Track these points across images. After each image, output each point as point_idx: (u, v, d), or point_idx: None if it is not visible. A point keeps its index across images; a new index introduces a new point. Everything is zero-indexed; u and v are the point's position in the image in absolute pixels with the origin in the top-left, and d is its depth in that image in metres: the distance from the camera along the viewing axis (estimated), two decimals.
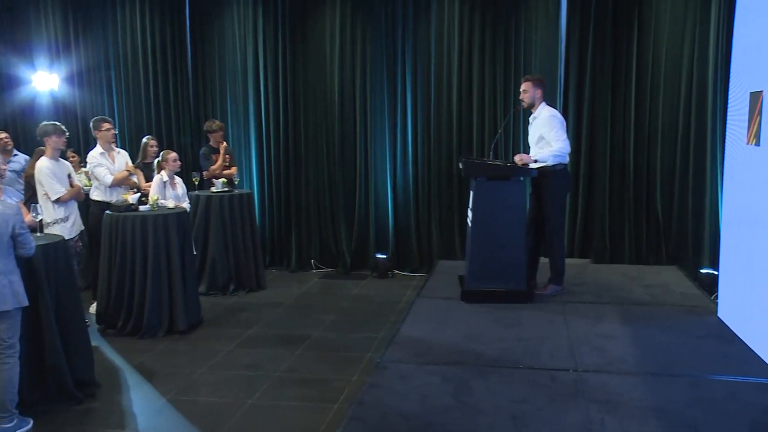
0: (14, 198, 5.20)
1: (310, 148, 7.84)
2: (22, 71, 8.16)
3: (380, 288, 7.11)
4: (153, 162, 6.53)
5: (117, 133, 6.33)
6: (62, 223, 5.43)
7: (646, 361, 4.22)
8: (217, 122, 7.29)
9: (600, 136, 7.09)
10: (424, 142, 7.54)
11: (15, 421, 3.73)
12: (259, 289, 6.94)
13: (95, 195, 6.00)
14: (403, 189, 7.66)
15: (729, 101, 5.05)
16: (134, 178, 6.21)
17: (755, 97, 4.37)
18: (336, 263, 7.85)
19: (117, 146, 6.24)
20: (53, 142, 5.42)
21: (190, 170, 7.25)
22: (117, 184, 5.96)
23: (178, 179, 6.36)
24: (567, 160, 5.54)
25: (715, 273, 6.08)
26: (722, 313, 5.04)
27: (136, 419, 3.98)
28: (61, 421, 3.94)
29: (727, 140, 5.08)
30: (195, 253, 6.08)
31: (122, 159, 6.13)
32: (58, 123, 5.57)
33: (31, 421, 3.83)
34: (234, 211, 6.77)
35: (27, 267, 3.85)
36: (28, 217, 4.28)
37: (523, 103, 5.60)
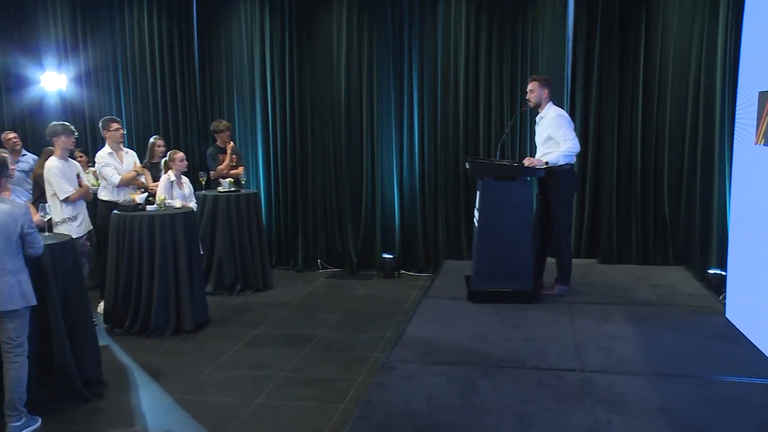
0: (22, 197, 5.23)
1: (316, 148, 7.85)
2: (31, 71, 8.21)
3: (387, 288, 7.11)
4: (160, 162, 6.56)
5: (125, 132, 6.36)
6: (71, 223, 5.46)
7: (653, 361, 4.20)
8: (224, 122, 7.31)
9: (607, 136, 7.07)
10: (431, 141, 7.54)
11: (24, 420, 3.75)
12: (266, 288, 6.95)
13: (103, 195, 6.03)
14: (410, 189, 7.66)
15: (737, 101, 5.03)
16: (142, 178, 6.23)
17: (764, 97, 4.35)
18: (342, 263, 7.86)
19: (125, 146, 6.26)
20: (62, 142, 5.45)
21: (197, 170, 7.27)
22: (124, 184, 5.99)
23: (185, 179, 6.38)
24: (574, 160, 5.53)
25: (723, 273, 6.05)
26: (730, 314, 5.01)
27: (143, 418, 4.00)
28: (69, 420, 3.96)
29: (735, 140, 5.05)
30: (202, 252, 6.10)
31: (130, 159, 6.15)
32: (67, 123, 5.60)
33: (40, 420, 3.86)
34: (241, 210, 6.79)
35: (35, 266, 3.87)
36: (37, 217, 4.31)
37: (530, 103, 5.59)
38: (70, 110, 8.25)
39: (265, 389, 4.36)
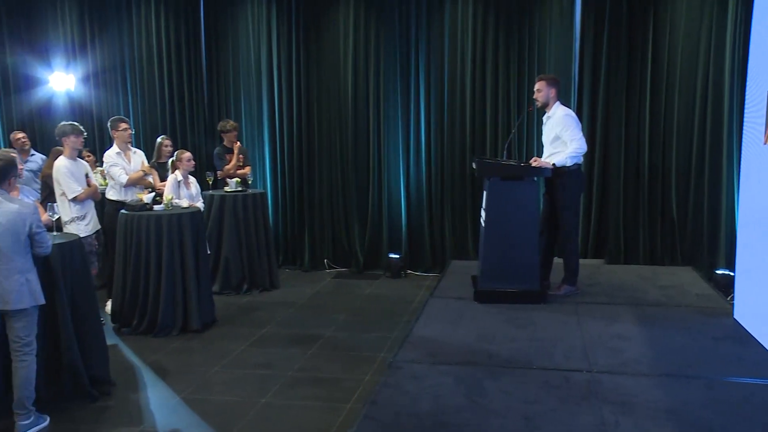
0: (30, 197, 5.27)
1: (323, 148, 7.86)
2: (40, 72, 8.26)
3: (393, 288, 7.11)
4: (167, 161, 6.58)
5: (133, 132, 6.39)
6: (79, 222, 5.49)
7: (661, 362, 4.19)
8: (231, 122, 7.33)
9: (614, 136, 7.05)
10: (438, 141, 7.54)
11: (32, 418, 3.77)
12: (273, 288, 6.97)
13: (111, 194, 6.05)
14: (416, 189, 7.65)
15: (746, 101, 5.00)
16: (149, 178, 6.25)
17: None
18: (349, 263, 7.86)
19: (133, 146, 6.28)
20: (71, 142, 5.47)
21: (204, 170, 7.29)
22: (132, 183, 6.01)
23: (192, 179, 6.40)
24: (582, 160, 5.52)
25: (731, 274, 6.03)
26: (738, 315, 4.99)
27: (150, 417, 4.01)
28: (76, 418, 3.98)
29: (743, 140, 5.03)
30: (209, 252, 6.12)
31: (138, 159, 6.17)
32: (76, 123, 5.62)
33: (48, 418, 3.88)
34: (247, 210, 6.80)
35: (44, 266, 3.90)
36: (45, 216, 4.33)
37: (537, 103, 5.58)
38: (78, 110, 8.28)
39: (272, 389, 4.37)
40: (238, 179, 7.01)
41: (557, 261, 5.83)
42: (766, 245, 4.48)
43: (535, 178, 5.51)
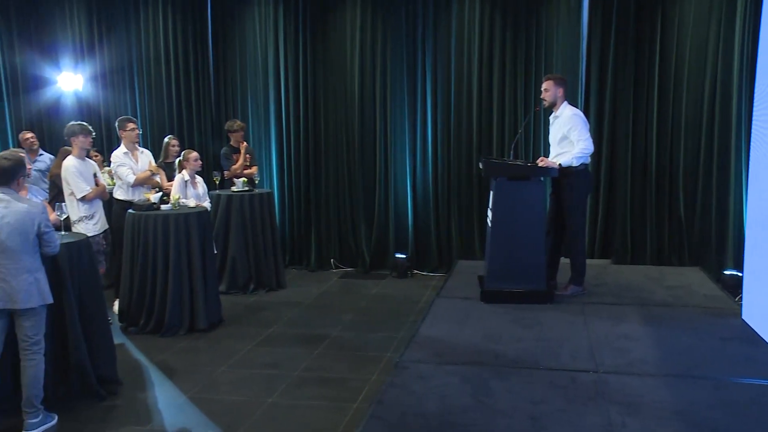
0: (39, 197, 5.29)
1: (330, 148, 7.87)
2: (48, 72, 8.30)
3: (399, 288, 7.11)
4: (174, 161, 6.60)
5: (141, 132, 6.41)
6: (87, 221, 5.52)
7: (668, 363, 4.17)
8: (238, 122, 7.34)
9: (622, 135, 7.03)
10: (444, 141, 7.53)
11: (40, 417, 3.79)
12: (279, 288, 6.98)
13: (118, 194, 6.08)
14: (423, 189, 7.65)
15: (755, 100, 4.98)
16: (157, 178, 6.27)
17: None
18: (355, 263, 7.87)
19: (140, 146, 6.31)
20: (80, 142, 5.50)
21: (211, 170, 7.31)
22: (139, 183, 6.03)
23: (199, 178, 6.42)
24: (589, 160, 5.50)
25: (740, 274, 6.00)
26: (747, 315, 4.96)
27: (157, 416, 4.03)
28: (84, 417, 4.00)
29: (752, 139, 5.00)
30: (216, 252, 6.13)
31: (146, 159, 6.20)
32: (85, 123, 5.65)
33: (56, 417, 3.90)
34: (254, 210, 6.81)
35: (52, 265, 3.92)
36: (53, 216, 4.35)
37: (545, 102, 5.56)
38: (86, 110, 8.32)
39: (278, 388, 4.37)
40: (245, 179, 7.03)
41: (564, 261, 5.82)
42: None
43: (542, 178, 5.50)
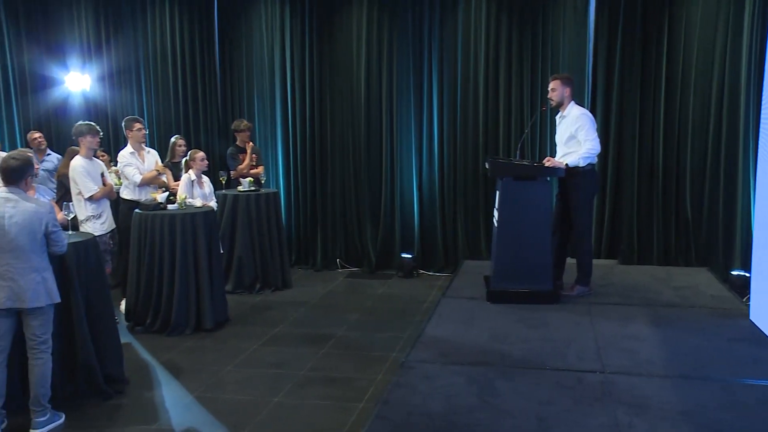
0: (46, 196, 5.31)
1: (336, 148, 7.87)
2: (56, 72, 8.33)
3: (405, 287, 7.11)
4: (181, 161, 6.62)
5: (147, 132, 6.43)
6: (95, 221, 5.55)
7: (675, 363, 4.16)
8: (245, 122, 7.36)
9: (628, 136, 7.01)
10: (450, 141, 7.52)
11: (48, 415, 3.81)
12: (285, 287, 6.98)
13: (125, 194, 6.10)
14: (429, 188, 7.65)
15: (762, 100, 4.96)
16: (163, 177, 6.29)
17: None
18: (361, 262, 7.87)
19: (147, 146, 6.33)
20: (88, 142, 5.53)
21: (217, 169, 7.33)
22: (146, 183, 6.05)
23: (205, 178, 6.43)
24: (596, 160, 5.49)
25: (747, 275, 5.97)
26: (754, 316, 4.94)
27: (164, 415, 4.04)
28: (91, 416, 4.01)
29: (760, 140, 4.98)
30: (222, 251, 6.14)
31: (152, 158, 6.22)
32: (92, 123, 5.68)
33: (63, 416, 3.91)
34: (260, 210, 6.82)
35: (59, 264, 3.93)
36: (60, 215, 4.38)
37: (552, 102, 5.56)
38: (93, 110, 8.35)
39: (284, 388, 4.38)
40: (251, 179, 7.04)
41: (570, 261, 5.81)
42: None
43: (548, 178, 5.49)
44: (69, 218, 4.46)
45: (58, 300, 3.80)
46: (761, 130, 4.96)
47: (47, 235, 3.72)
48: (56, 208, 4.37)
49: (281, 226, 7.14)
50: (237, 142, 7.32)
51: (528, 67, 7.23)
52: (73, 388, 4.13)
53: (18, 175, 3.71)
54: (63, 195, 5.96)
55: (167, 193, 5.97)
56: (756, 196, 5.19)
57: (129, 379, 4.45)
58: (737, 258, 6.58)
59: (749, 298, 5.19)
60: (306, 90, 7.83)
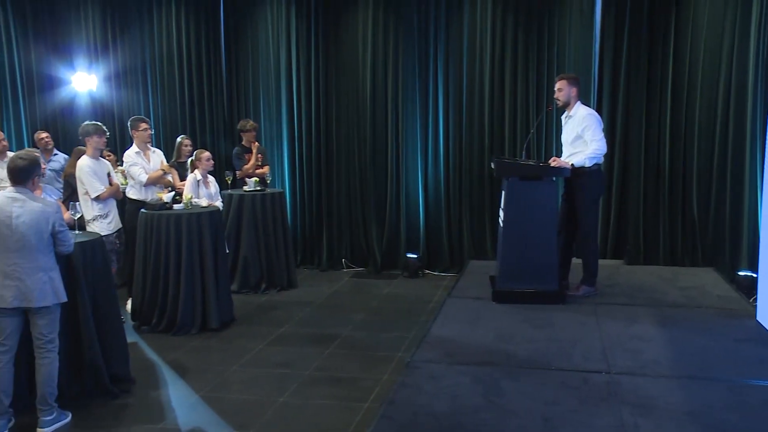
0: (53, 196, 5.34)
1: (341, 148, 7.88)
2: (62, 72, 8.37)
3: (411, 287, 7.11)
4: (187, 161, 6.64)
5: (153, 132, 6.45)
6: (102, 220, 5.56)
7: (682, 364, 4.14)
8: (251, 122, 7.37)
9: (634, 136, 6.98)
10: (456, 141, 7.52)
11: (55, 414, 3.82)
12: (291, 287, 6.99)
13: (131, 193, 6.12)
14: (435, 188, 7.64)
15: None
16: (169, 177, 6.31)
17: None
18: (367, 262, 7.87)
19: (152, 146, 6.35)
20: (94, 142, 5.55)
21: (223, 169, 7.34)
22: (152, 182, 6.07)
23: (211, 178, 6.45)
24: (602, 160, 5.47)
25: (754, 275, 5.95)
26: (761, 317, 4.92)
27: (170, 415, 4.05)
28: (97, 415, 4.03)
29: (767, 140, 4.95)
30: (227, 251, 6.16)
31: (157, 158, 6.23)
32: (99, 123, 5.70)
33: (70, 415, 3.93)
34: (266, 210, 6.83)
35: (66, 264, 3.95)
36: (67, 215, 4.39)
37: (558, 102, 5.54)
38: (99, 110, 8.39)
39: (290, 388, 4.39)
40: (257, 179, 7.05)
41: (576, 261, 5.79)
42: None
43: (554, 178, 5.48)
44: (75, 218, 4.48)
45: (64, 299, 3.81)
46: None
47: (54, 235, 3.74)
48: (63, 208, 4.38)
49: (287, 226, 7.15)
50: (243, 142, 7.34)
51: (534, 68, 7.22)
52: (79, 388, 4.15)
53: (25, 175, 3.73)
54: (70, 195, 5.99)
55: (173, 192, 5.99)
56: (763, 196, 5.16)
57: (135, 379, 4.47)
58: (744, 258, 6.55)
59: (756, 298, 5.17)
60: (312, 90, 7.84)
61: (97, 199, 5.52)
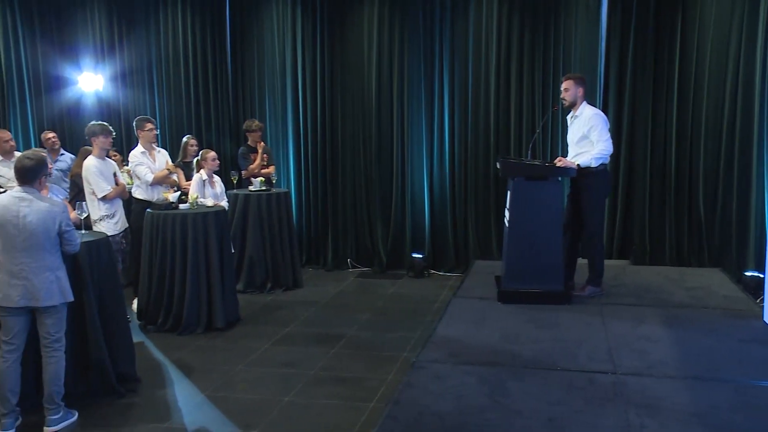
0: (60, 196, 5.35)
1: (347, 148, 7.88)
2: (69, 72, 8.40)
3: (416, 287, 7.11)
4: (193, 161, 6.65)
5: (159, 132, 6.47)
6: (108, 220, 5.59)
7: (688, 364, 4.13)
8: (257, 122, 7.38)
9: (640, 135, 6.96)
10: (461, 141, 7.51)
11: (61, 413, 3.84)
12: (296, 287, 7.00)
13: (137, 193, 6.14)
14: (440, 188, 7.64)
15: None
16: (174, 177, 6.33)
17: None
18: (372, 262, 7.87)
19: (158, 145, 6.36)
20: (100, 142, 5.57)
21: (228, 169, 7.36)
22: (157, 182, 6.09)
23: (216, 178, 6.46)
24: (608, 160, 5.46)
25: (761, 276, 5.92)
26: None
27: (176, 414, 4.06)
28: (104, 414, 4.04)
29: None
30: (233, 251, 6.16)
31: (162, 158, 6.25)
32: (105, 123, 5.72)
33: (76, 413, 3.95)
34: (271, 209, 6.84)
35: (72, 263, 3.96)
36: (73, 215, 4.41)
37: (565, 102, 5.53)
38: (106, 110, 8.41)
39: (295, 387, 4.39)
40: (263, 179, 7.06)
41: (582, 261, 5.78)
42: None
43: (560, 178, 5.47)
44: (82, 217, 4.49)
45: (71, 299, 3.83)
46: None
47: (61, 235, 3.76)
48: (69, 208, 4.40)
49: (292, 226, 7.15)
50: (248, 142, 7.35)
51: (539, 67, 7.20)
52: (86, 387, 4.17)
53: (32, 175, 3.74)
54: (76, 194, 6.01)
55: (179, 192, 6.00)
56: None
57: (141, 378, 4.48)
58: (751, 258, 6.52)
59: (763, 299, 5.15)
60: (317, 90, 7.85)
61: (104, 199, 5.54)
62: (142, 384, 4.44)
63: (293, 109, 7.95)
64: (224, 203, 6.33)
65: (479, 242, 7.56)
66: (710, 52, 6.69)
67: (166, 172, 6.16)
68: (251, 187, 6.97)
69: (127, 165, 6.48)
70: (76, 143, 7.70)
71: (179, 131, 7.99)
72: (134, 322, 5.62)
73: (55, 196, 4.75)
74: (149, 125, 6.12)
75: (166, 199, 5.71)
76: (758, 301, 5.50)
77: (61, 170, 6.95)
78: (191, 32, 8.10)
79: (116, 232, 5.58)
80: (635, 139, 6.99)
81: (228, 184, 6.91)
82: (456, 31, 7.41)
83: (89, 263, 4.10)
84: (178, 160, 6.80)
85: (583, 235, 5.59)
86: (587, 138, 5.36)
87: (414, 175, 7.65)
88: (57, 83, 8.43)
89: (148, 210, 5.69)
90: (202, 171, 6.31)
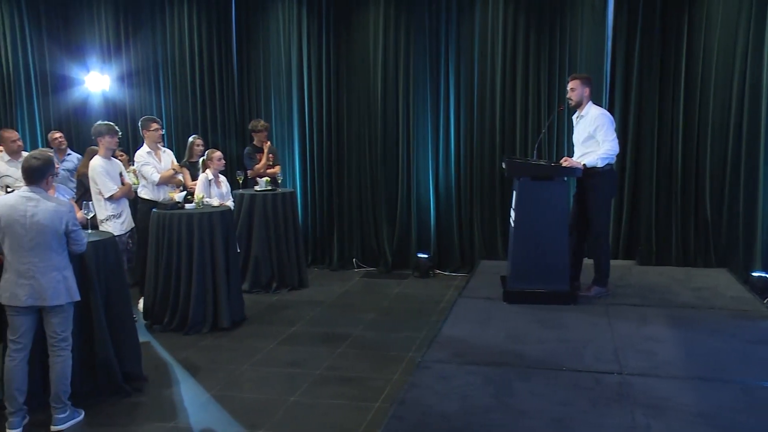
0: (66, 195, 5.38)
1: (353, 148, 7.88)
2: (76, 72, 8.44)
3: (422, 287, 7.11)
4: (198, 161, 6.67)
5: (164, 132, 6.48)
6: (115, 220, 5.61)
7: (694, 365, 4.12)
8: (262, 122, 7.39)
9: (647, 136, 6.94)
10: (467, 140, 7.51)
11: (68, 412, 3.86)
12: (302, 287, 7.01)
13: (143, 193, 6.16)
14: (446, 188, 7.63)
15: None
16: (180, 177, 6.34)
17: None
18: (377, 262, 7.88)
19: (164, 145, 6.38)
20: (106, 142, 5.59)
21: (234, 169, 7.37)
22: (163, 182, 6.10)
23: (222, 178, 6.48)
24: (614, 160, 5.44)
25: None
26: None
27: (182, 413, 4.07)
28: (110, 413, 4.06)
29: None
30: (239, 251, 6.18)
31: (168, 158, 6.27)
32: (111, 123, 5.74)
33: (83, 412, 3.97)
34: (277, 209, 6.85)
35: (79, 263, 3.98)
36: (80, 214, 4.43)
37: (571, 102, 5.52)
38: (112, 110, 8.44)
39: (301, 387, 4.40)
40: (268, 178, 7.07)
41: (587, 262, 5.77)
42: None
43: (566, 179, 5.46)
44: (88, 217, 4.51)
45: (77, 298, 3.84)
46: None
47: (67, 234, 3.77)
48: (76, 207, 4.42)
49: (298, 226, 7.16)
50: (254, 142, 7.36)
51: (545, 67, 7.19)
52: (92, 386, 4.18)
53: (39, 175, 3.76)
54: (82, 194, 6.03)
55: (185, 192, 6.02)
56: None
57: (147, 377, 4.50)
58: (758, 259, 6.50)
59: None
60: (323, 90, 7.85)
61: (111, 199, 5.56)
62: (148, 383, 4.46)
63: (299, 109, 7.96)
64: (230, 203, 6.35)
65: (485, 242, 7.56)
66: (717, 52, 6.66)
67: (172, 171, 6.18)
68: (257, 187, 6.98)
69: (133, 165, 6.50)
70: (83, 143, 7.73)
71: (185, 131, 8.02)
72: (140, 322, 5.63)
73: (62, 195, 4.78)
74: (155, 125, 6.13)
75: (172, 199, 5.73)
76: (765, 301, 5.48)
77: (68, 170, 6.98)
78: (197, 33, 8.11)
79: (123, 232, 5.60)
80: (641, 139, 6.97)
81: (234, 184, 6.92)
82: (462, 32, 7.40)
83: (96, 263, 4.12)
84: (184, 160, 6.82)
85: (589, 235, 5.58)
86: (593, 138, 5.35)
87: (420, 175, 7.65)
88: (64, 83, 8.47)
89: (154, 210, 5.71)
90: (207, 171, 6.32)
